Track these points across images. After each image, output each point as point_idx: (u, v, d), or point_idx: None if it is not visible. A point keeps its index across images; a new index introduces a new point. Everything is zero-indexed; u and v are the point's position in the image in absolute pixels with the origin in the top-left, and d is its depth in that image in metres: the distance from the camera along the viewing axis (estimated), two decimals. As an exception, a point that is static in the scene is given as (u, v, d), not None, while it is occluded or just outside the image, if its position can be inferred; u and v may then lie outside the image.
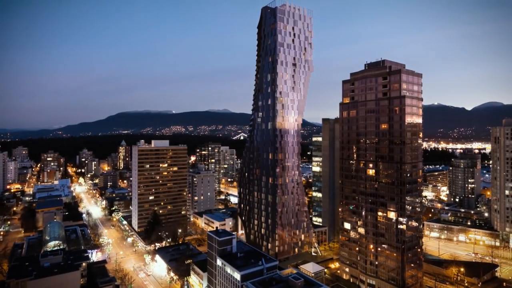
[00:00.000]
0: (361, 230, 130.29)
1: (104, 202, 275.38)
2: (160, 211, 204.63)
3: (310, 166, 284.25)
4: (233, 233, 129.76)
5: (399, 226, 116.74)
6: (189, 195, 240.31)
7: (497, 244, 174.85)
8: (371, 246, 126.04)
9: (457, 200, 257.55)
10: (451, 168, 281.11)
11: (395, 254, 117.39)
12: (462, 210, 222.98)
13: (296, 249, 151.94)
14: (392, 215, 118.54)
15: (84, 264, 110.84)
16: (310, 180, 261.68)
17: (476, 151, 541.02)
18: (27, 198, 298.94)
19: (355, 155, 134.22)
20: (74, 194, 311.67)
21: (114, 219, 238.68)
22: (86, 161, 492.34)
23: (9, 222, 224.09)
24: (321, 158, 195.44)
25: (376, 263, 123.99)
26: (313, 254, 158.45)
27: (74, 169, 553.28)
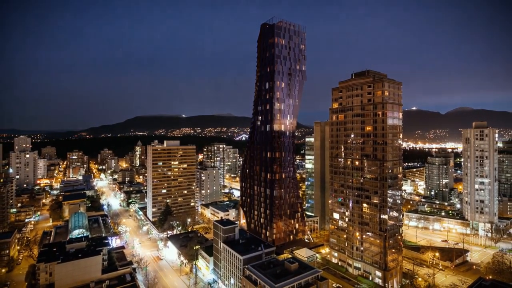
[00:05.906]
0: (348, 220, 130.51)
1: (122, 195, 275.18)
2: (172, 203, 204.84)
3: (304, 164, 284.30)
4: (236, 222, 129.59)
5: (381, 216, 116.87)
6: (197, 189, 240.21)
7: (468, 232, 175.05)
8: (357, 234, 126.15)
9: (432, 193, 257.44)
10: (427, 165, 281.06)
11: (378, 241, 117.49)
12: (437, 202, 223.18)
13: (291, 237, 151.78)
14: (375, 206, 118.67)
15: (105, 249, 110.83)
16: (304, 176, 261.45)
17: (450, 150, 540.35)
18: (54, 192, 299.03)
19: (343, 154, 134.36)
20: (96, 188, 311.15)
21: (131, 210, 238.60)
22: (107, 159, 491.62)
23: (39, 213, 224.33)
24: (313, 157, 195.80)
25: (362, 248, 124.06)
26: (306, 241, 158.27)
27: (96, 166, 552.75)
